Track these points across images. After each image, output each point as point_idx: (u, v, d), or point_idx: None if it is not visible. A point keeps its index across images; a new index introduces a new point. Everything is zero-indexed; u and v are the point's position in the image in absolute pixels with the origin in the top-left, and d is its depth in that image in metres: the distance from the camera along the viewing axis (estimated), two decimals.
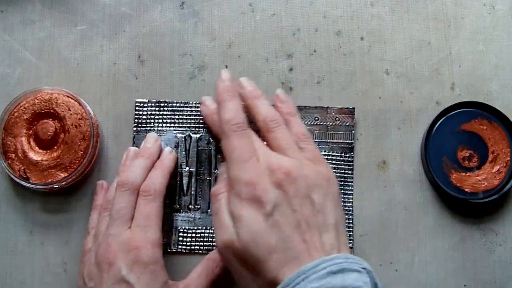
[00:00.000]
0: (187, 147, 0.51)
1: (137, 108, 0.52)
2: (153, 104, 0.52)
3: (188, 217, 0.50)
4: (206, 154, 0.51)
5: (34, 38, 0.53)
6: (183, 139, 0.51)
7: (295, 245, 0.39)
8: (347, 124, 0.51)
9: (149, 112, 0.51)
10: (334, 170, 0.51)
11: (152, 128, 0.51)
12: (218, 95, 0.45)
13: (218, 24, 0.53)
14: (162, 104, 0.52)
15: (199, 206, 0.51)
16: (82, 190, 0.51)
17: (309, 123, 0.51)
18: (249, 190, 0.40)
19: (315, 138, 0.51)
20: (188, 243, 0.50)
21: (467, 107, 0.51)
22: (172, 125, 0.51)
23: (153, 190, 0.46)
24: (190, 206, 0.50)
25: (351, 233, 0.50)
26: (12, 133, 0.48)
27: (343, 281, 0.36)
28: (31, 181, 0.48)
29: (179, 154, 0.51)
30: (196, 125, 0.51)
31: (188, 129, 0.51)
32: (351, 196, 0.51)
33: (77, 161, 0.48)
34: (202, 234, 0.50)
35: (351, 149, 0.51)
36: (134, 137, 0.51)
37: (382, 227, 0.51)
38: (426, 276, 0.50)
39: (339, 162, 0.51)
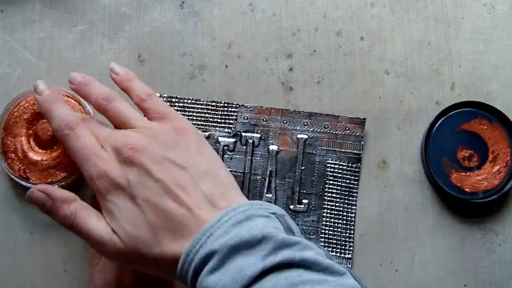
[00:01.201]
0: None
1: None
2: (164, 99, 0.52)
3: None
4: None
5: (34, 38, 0.53)
6: None
7: (174, 212, 0.36)
8: (357, 134, 0.51)
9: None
10: (340, 180, 0.51)
11: None
12: (41, 107, 0.42)
13: (218, 24, 0.53)
14: (173, 100, 0.52)
15: None
16: (82, 190, 0.51)
17: (319, 130, 0.51)
18: (104, 181, 0.38)
19: (323, 146, 0.51)
20: None
21: (467, 107, 0.51)
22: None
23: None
24: None
25: (352, 233, 0.50)
26: (12, 133, 0.48)
27: (251, 229, 0.34)
28: (31, 180, 0.48)
29: None
30: (206, 123, 0.51)
31: (197, 126, 0.51)
32: (354, 207, 0.51)
33: None
34: None
35: (358, 159, 0.51)
36: None
37: (382, 227, 0.51)
38: (426, 276, 0.50)
39: (345, 172, 0.51)
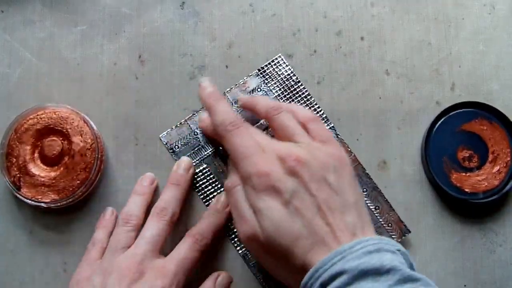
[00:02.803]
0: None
1: (275, 60, 0.52)
2: (287, 70, 0.52)
3: (219, 166, 0.51)
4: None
5: (34, 38, 0.53)
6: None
7: (319, 228, 0.39)
8: (393, 235, 0.50)
9: (279, 72, 0.52)
10: None
11: (267, 83, 0.52)
12: (204, 104, 0.46)
13: (218, 24, 0.54)
14: (293, 77, 0.52)
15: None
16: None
17: (370, 206, 0.50)
18: (263, 181, 0.40)
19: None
20: (200, 185, 0.51)
21: (467, 107, 0.51)
22: (282, 98, 0.52)
23: (170, 214, 0.47)
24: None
25: None
26: (21, 138, 0.48)
27: (380, 259, 0.36)
28: (21, 191, 0.47)
29: (262, 121, 0.50)
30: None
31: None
32: None
33: (71, 189, 0.48)
34: (216, 188, 0.51)
35: None
36: (250, 75, 0.52)
37: None
38: (426, 276, 0.50)
39: None
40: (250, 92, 0.52)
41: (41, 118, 0.48)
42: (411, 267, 0.39)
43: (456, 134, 0.51)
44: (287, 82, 0.52)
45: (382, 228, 0.50)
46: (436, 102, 0.53)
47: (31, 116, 0.48)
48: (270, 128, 0.45)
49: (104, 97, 0.52)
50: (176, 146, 0.51)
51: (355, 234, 0.39)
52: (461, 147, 0.51)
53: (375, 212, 0.50)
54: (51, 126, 0.48)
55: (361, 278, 0.36)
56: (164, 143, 0.51)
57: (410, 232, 0.50)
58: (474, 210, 0.51)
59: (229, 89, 0.52)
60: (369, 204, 0.50)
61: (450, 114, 0.51)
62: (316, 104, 0.52)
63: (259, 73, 0.52)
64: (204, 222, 0.48)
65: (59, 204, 0.48)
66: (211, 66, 0.53)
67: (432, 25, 0.54)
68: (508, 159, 0.50)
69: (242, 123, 0.43)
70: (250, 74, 0.52)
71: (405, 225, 0.50)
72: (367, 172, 0.51)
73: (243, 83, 0.52)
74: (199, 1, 0.54)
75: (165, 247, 0.47)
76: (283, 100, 0.52)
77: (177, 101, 0.52)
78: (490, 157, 0.50)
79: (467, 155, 0.50)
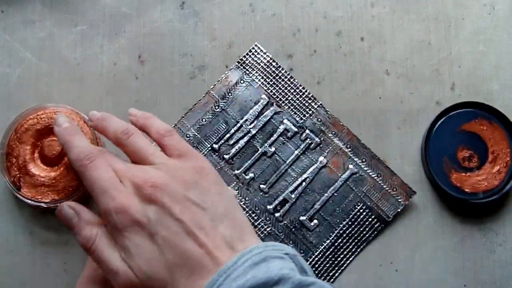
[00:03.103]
0: (263, 111, 0.52)
1: (252, 50, 0.53)
2: (266, 57, 0.53)
3: (217, 163, 0.51)
4: (273, 129, 0.52)
5: (34, 38, 0.53)
6: (265, 103, 0.52)
7: (192, 253, 0.37)
8: (399, 199, 0.50)
9: (258, 61, 0.53)
10: (357, 227, 0.50)
11: (249, 74, 0.52)
12: (60, 138, 0.43)
13: (218, 24, 0.54)
14: (273, 63, 0.53)
15: (233, 162, 0.51)
16: None
17: (371, 173, 0.51)
18: (122, 217, 0.37)
19: (364, 189, 0.50)
20: None
21: (467, 107, 0.51)
22: (267, 85, 0.52)
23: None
24: (226, 157, 0.51)
25: (335, 278, 0.50)
26: (21, 138, 0.48)
27: (268, 271, 0.35)
28: (21, 191, 0.47)
29: (252, 111, 0.52)
30: (284, 100, 0.52)
31: (275, 98, 0.52)
32: (352, 257, 0.50)
33: (71, 189, 0.48)
34: None
35: (385, 222, 0.50)
36: (230, 69, 0.52)
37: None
38: (426, 276, 0.50)
39: (366, 224, 0.50)
40: (233, 86, 0.52)
41: (41, 118, 0.48)
42: (302, 270, 0.37)
43: (456, 134, 0.51)
44: (268, 70, 0.52)
45: (388, 194, 0.50)
46: (436, 102, 0.53)
47: (31, 116, 0.48)
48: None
49: (104, 97, 0.52)
50: None
51: (233, 247, 0.37)
52: (461, 147, 0.51)
53: (378, 180, 0.50)
54: (51, 126, 0.48)
55: None
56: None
57: (415, 193, 0.50)
58: (474, 210, 0.51)
59: (212, 86, 0.52)
60: (370, 173, 0.51)
61: (450, 114, 0.51)
62: (300, 85, 0.52)
63: (239, 65, 0.53)
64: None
65: (59, 204, 0.48)
66: (211, 66, 0.53)
67: (432, 25, 0.54)
68: (508, 159, 0.50)
69: (98, 154, 0.40)
70: (230, 68, 0.52)
71: (409, 187, 0.50)
72: (363, 142, 0.51)
73: (225, 78, 0.52)
74: (199, 1, 0.54)
75: None
76: (268, 87, 0.52)
77: (177, 101, 0.52)
78: (490, 157, 0.50)
79: (467, 155, 0.51)
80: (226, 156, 0.51)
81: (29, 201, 0.47)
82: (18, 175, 0.48)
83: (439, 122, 0.51)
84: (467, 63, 0.53)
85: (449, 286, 0.50)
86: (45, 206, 0.48)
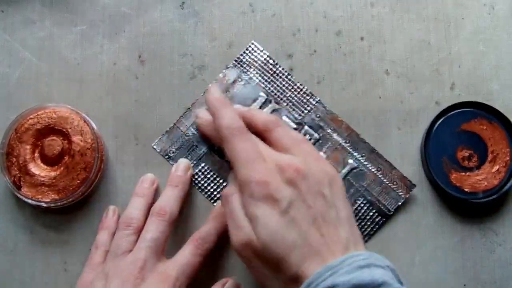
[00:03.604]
0: (261, 108, 0.52)
1: (249, 48, 0.53)
2: (263, 55, 0.53)
3: (219, 162, 0.51)
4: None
5: (34, 38, 0.53)
6: (263, 100, 0.52)
7: (314, 239, 0.39)
8: (400, 193, 0.51)
9: (255, 59, 0.53)
10: (358, 221, 0.50)
11: (247, 72, 0.52)
12: (211, 106, 0.46)
13: (218, 24, 0.54)
14: (270, 60, 0.53)
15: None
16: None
17: (371, 168, 0.51)
18: (261, 189, 0.40)
19: (364, 183, 0.51)
20: (202, 184, 0.51)
21: (467, 107, 0.51)
22: (265, 82, 0.52)
23: (168, 214, 0.47)
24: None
25: None
26: (21, 138, 0.48)
27: (372, 274, 0.37)
28: (22, 190, 0.47)
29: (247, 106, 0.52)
30: (282, 97, 0.52)
31: (273, 95, 0.52)
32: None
33: (71, 188, 0.48)
34: (218, 184, 0.51)
35: (386, 215, 0.50)
36: (228, 67, 0.52)
37: (382, 227, 0.51)
38: (426, 276, 0.50)
39: (368, 218, 0.50)
40: (231, 84, 0.52)
41: (41, 118, 0.48)
42: (399, 282, 0.39)
43: (456, 134, 0.51)
44: (265, 67, 0.52)
45: (388, 188, 0.50)
46: (436, 102, 0.53)
47: (32, 116, 0.48)
48: (266, 141, 0.45)
49: (104, 97, 0.52)
50: (171, 151, 0.51)
51: (348, 248, 0.40)
52: (461, 147, 0.51)
53: (378, 174, 0.51)
54: (51, 125, 0.48)
55: None
56: (158, 150, 0.51)
57: (415, 186, 0.50)
58: (474, 210, 0.51)
59: (211, 84, 0.52)
60: (370, 167, 0.51)
61: (450, 114, 0.51)
62: (298, 82, 0.52)
63: (236, 63, 0.53)
64: (207, 226, 0.48)
65: (59, 203, 0.48)
66: (211, 66, 0.53)
67: (432, 25, 0.54)
68: (508, 158, 0.50)
69: (247, 131, 0.44)
70: (228, 66, 0.53)
71: (409, 180, 0.51)
72: (361, 137, 0.51)
73: (222, 77, 0.52)
74: (199, 1, 0.54)
75: (167, 248, 0.47)
76: (266, 85, 0.52)
77: (177, 101, 0.52)
78: (490, 156, 0.50)
79: (467, 154, 0.51)
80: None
81: (29, 201, 0.47)
82: (18, 175, 0.48)
83: (438, 122, 0.51)
84: (467, 63, 0.53)
85: (449, 286, 0.50)
86: (45, 205, 0.48)
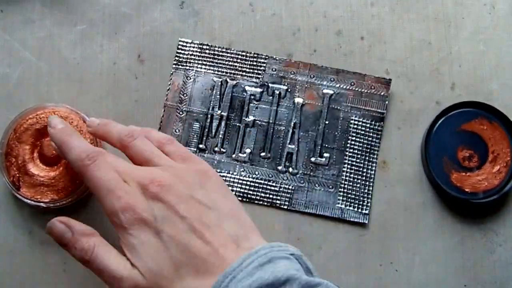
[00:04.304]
0: (222, 92, 0.52)
1: (179, 47, 0.53)
2: (195, 45, 0.53)
3: (212, 159, 0.51)
4: (240, 101, 0.52)
5: (34, 37, 0.53)
6: (219, 83, 0.52)
7: (198, 250, 0.37)
8: (382, 94, 0.52)
9: (190, 53, 0.53)
10: (362, 137, 0.51)
11: (190, 68, 0.52)
12: (56, 140, 0.42)
13: (218, 24, 0.54)
14: (204, 47, 0.53)
15: (224, 150, 0.52)
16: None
17: (345, 87, 0.52)
18: (129, 215, 0.37)
19: (348, 103, 0.52)
20: None
21: (467, 107, 0.51)
22: (211, 68, 0.52)
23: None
24: (216, 149, 0.51)
25: (370, 190, 0.51)
26: (20, 138, 0.48)
27: (274, 271, 0.34)
28: (21, 190, 0.47)
29: (213, 97, 0.52)
30: (234, 72, 0.52)
31: (226, 74, 0.52)
32: (375, 164, 0.51)
33: (70, 188, 0.48)
34: (224, 178, 0.51)
35: (381, 119, 0.52)
36: (172, 74, 0.52)
37: (382, 227, 0.51)
38: (426, 276, 0.50)
39: (367, 130, 0.52)
40: (183, 86, 0.52)
41: (40, 118, 0.48)
42: (307, 270, 0.37)
43: (456, 134, 0.51)
44: (203, 54, 0.53)
45: (369, 94, 0.51)
46: (436, 102, 0.53)
47: (31, 116, 0.48)
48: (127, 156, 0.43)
49: (104, 97, 0.52)
50: None
51: (239, 245, 0.37)
52: (461, 147, 0.51)
53: (353, 88, 0.52)
54: None
55: None
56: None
57: (391, 80, 0.52)
58: (474, 210, 0.51)
59: (165, 98, 0.52)
60: (344, 86, 0.52)
61: (450, 114, 0.51)
62: (240, 51, 0.52)
63: (177, 66, 0.53)
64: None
65: (58, 204, 0.48)
66: None
67: (432, 25, 0.54)
68: (508, 158, 0.50)
69: (99, 154, 0.40)
70: (171, 73, 0.52)
71: (383, 78, 0.52)
72: (321, 65, 0.52)
73: (172, 84, 0.52)
74: (199, 1, 0.54)
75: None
76: (213, 69, 0.52)
77: None
78: (490, 157, 0.50)
79: (467, 155, 0.50)
80: (216, 148, 0.52)
81: (28, 201, 0.47)
82: (17, 175, 0.48)
83: (439, 122, 0.51)
84: (467, 63, 0.53)
85: (449, 286, 0.50)
86: (44, 206, 0.48)
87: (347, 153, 0.51)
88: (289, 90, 0.52)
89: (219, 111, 0.52)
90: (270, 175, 0.51)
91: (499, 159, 0.50)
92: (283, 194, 0.51)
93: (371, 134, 0.52)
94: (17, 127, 0.48)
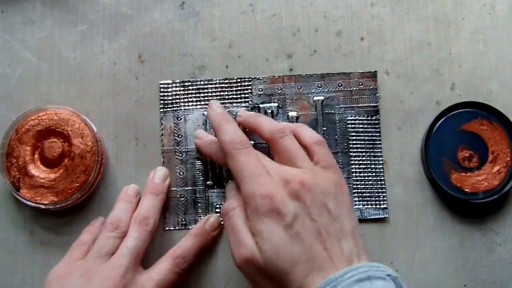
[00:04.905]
0: None
1: (162, 89, 0.52)
2: (177, 85, 0.52)
3: (223, 192, 0.51)
4: None
5: (34, 38, 0.53)
6: None
7: (317, 254, 0.39)
8: (371, 87, 0.52)
9: (174, 93, 0.52)
10: (362, 134, 0.52)
11: (178, 108, 0.52)
12: (214, 122, 0.46)
13: (218, 24, 0.54)
14: (186, 84, 0.52)
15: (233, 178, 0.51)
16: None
17: (333, 89, 0.52)
18: (266, 202, 0.40)
19: (341, 104, 0.52)
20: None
21: (467, 107, 0.51)
22: (198, 103, 0.52)
23: (151, 224, 0.46)
24: (224, 182, 0.51)
25: (383, 183, 0.51)
26: (21, 139, 0.48)
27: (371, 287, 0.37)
28: (21, 192, 0.47)
29: (207, 131, 0.51)
30: (222, 101, 0.52)
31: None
32: (381, 158, 0.51)
33: (70, 191, 0.48)
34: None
35: (376, 111, 0.52)
36: (161, 118, 0.52)
37: (382, 227, 0.51)
38: (426, 276, 0.50)
39: (366, 126, 0.52)
40: (175, 128, 0.52)
41: (42, 119, 0.48)
42: None
43: (456, 134, 0.51)
44: (187, 91, 0.52)
45: (359, 91, 0.52)
46: (436, 102, 0.53)
47: (33, 117, 0.48)
48: (271, 150, 0.46)
49: (104, 97, 0.52)
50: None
51: (351, 261, 0.39)
52: (461, 147, 0.51)
53: (342, 89, 0.52)
54: (52, 127, 0.48)
55: None
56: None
57: (376, 71, 0.52)
58: (474, 210, 0.51)
59: (161, 145, 0.51)
60: (332, 89, 0.52)
61: (450, 114, 0.51)
62: (221, 79, 0.52)
63: (163, 110, 0.52)
64: (187, 243, 0.48)
65: (57, 206, 0.48)
66: (211, 66, 0.53)
67: (432, 25, 0.54)
68: (508, 159, 0.50)
69: (249, 144, 0.44)
70: (161, 117, 0.52)
71: (368, 72, 0.52)
72: (305, 74, 0.52)
73: (164, 129, 0.52)
74: (199, 1, 0.54)
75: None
76: (200, 104, 0.52)
77: None
78: (490, 157, 0.50)
79: (467, 155, 0.51)
80: (224, 182, 0.51)
81: (28, 202, 0.47)
82: (17, 176, 0.48)
83: (439, 122, 0.51)
84: (467, 63, 0.53)
85: (449, 286, 0.50)
86: (43, 207, 0.48)
87: (351, 153, 0.51)
88: (280, 106, 0.52)
89: None
90: None
91: (499, 159, 0.50)
92: None
93: (370, 129, 0.52)
94: (19, 128, 0.48)
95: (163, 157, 0.51)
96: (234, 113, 0.52)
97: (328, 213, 0.41)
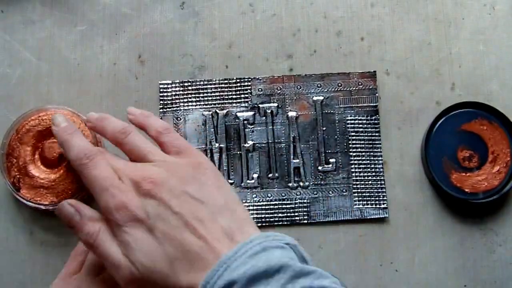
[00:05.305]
0: (215, 124, 0.52)
1: (161, 90, 0.52)
2: (177, 85, 0.52)
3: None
4: (235, 128, 0.52)
5: (34, 38, 0.53)
6: (210, 116, 0.52)
7: (192, 245, 0.37)
8: (370, 87, 0.52)
9: (173, 93, 0.52)
10: (362, 134, 0.52)
11: (178, 109, 0.52)
12: (59, 138, 0.44)
13: (218, 25, 0.54)
14: (186, 84, 0.52)
15: (232, 181, 0.51)
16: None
17: (333, 89, 0.52)
18: (123, 213, 0.38)
19: (340, 104, 0.52)
20: None
21: (467, 107, 0.51)
22: (198, 103, 0.52)
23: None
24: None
25: (383, 184, 0.51)
26: (22, 139, 0.48)
27: (268, 260, 0.35)
28: (21, 192, 0.47)
29: (207, 131, 0.52)
30: (222, 101, 0.52)
31: (214, 106, 0.52)
32: (380, 158, 0.51)
33: (70, 192, 0.48)
34: None
35: (376, 111, 0.52)
36: (161, 118, 0.52)
37: (382, 227, 0.51)
38: (426, 276, 0.50)
39: (365, 126, 0.52)
40: (175, 129, 0.51)
41: (42, 120, 0.48)
42: (302, 259, 0.37)
43: (456, 134, 0.51)
44: (186, 91, 0.52)
45: (358, 91, 0.52)
46: (436, 102, 0.53)
47: (33, 117, 0.48)
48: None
49: (104, 97, 0.52)
50: None
51: (232, 238, 0.38)
52: (461, 147, 0.51)
53: (342, 88, 0.52)
54: None
55: (252, 284, 0.34)
56: None
57: (375, 71, 0.52)
58: (474, 210, 0.51)
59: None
60: (332, 89, 0.52)
61: (450, 114, 0.51)
62: (221, 79, 0.52)
63: (163, 111, 0.52)
64: (71, 265, 0.46)
65: (56, 207, 0.48)
66: (211, 66, 0.53)
67: (432, 25, 0.54)
68: (508, 159, 0.50)
69: (97, 153, 0.41)
70: (161, 118, 0.51)
71: (367, 72, 0.52)
72: (304, 74, 0.52)
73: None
74: (199, 1, 0.54)
75: None
76: (200, 104, 0.52)
77: None
78: (490, 157, 0.50)
79: (467, 155, 0.51)
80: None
81: (28, 203, 0.47)
82: (18, 176, 0.48)
83: (439, 122, 0.51)
84: (467, 63, 0.53)
85: (449, 286, 0.50)
86: (43, 208, 0.47)
87: (351, 153, 0.51)
88: (280, 106, 0.52)
89: (217, 144, 0.52)
90: (282, 194, 0.51)
91: (499, 160, 0.50)
92: (300, 209, 0.51)
93: (370, 129, 0.52)
94: (19, 128, 0.48)
95: None
96: (234, 113, 0.52)
97: (192, 199, 0.39)
